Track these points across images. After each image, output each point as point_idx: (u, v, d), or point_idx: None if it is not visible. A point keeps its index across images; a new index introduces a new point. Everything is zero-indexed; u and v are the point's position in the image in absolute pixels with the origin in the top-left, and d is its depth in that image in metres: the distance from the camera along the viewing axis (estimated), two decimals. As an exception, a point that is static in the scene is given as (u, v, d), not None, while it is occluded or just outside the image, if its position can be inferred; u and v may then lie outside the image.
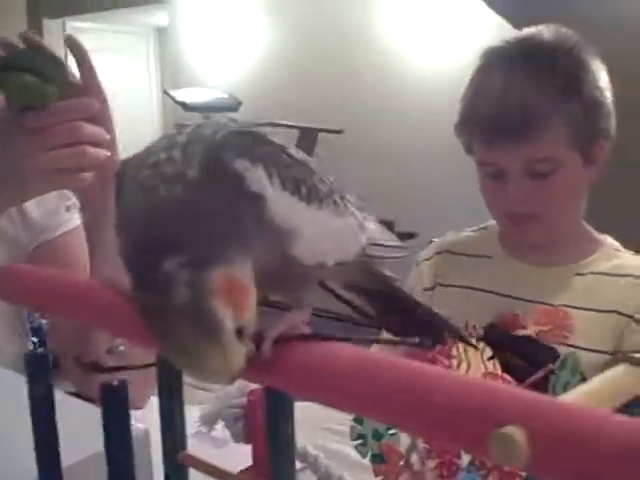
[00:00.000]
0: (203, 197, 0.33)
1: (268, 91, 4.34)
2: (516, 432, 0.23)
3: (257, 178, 0.35)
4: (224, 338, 0.30)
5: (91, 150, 0.83)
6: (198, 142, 0.35)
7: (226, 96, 4.19)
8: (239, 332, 0.31)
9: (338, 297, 0.49)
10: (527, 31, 1.09)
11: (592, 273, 1.08)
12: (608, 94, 1.06)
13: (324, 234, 0.38)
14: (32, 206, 1.00)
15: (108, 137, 0.85)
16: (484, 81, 1.07)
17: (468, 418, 0.25)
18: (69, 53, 0.87)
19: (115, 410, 0.37)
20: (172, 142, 0.35)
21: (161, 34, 5.97)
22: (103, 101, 0.87)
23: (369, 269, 0.47)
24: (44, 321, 0.41)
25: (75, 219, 1.05)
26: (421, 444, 0.72)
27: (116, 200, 0.36)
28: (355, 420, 0.65)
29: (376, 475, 0.66)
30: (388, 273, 0.49)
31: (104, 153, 0.84)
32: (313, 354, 0.30)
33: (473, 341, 0.70)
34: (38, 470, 0.40)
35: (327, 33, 4.11)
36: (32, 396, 0.41)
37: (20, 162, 0.81)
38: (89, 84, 0.86)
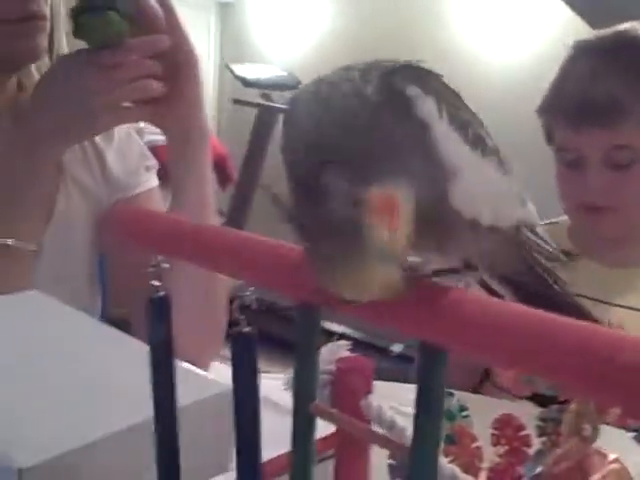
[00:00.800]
0: (374, 115, 0.34)
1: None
2: None
3: (427, 106, 0.35)
4: (377, 251, 0.29)
5: (155, 83, 0.86)
6: (375, 70, 0.36)
7: (286, 74, 4.20)
8: (392, 255, 0.29)
9: (483, 285, 0.47)
10: (621, 26, 1.09)
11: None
12: None
13: (484, 184, 0.38)
14: (114, 162, 1.01)
15: (160, 70, 0.87)
16: (574, 67, 1.08)
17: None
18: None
19: (245, 356, 0.38)
20: (347, 73, 0.36)
21: (224, 9, 5.99)
22: (188, 47, 0.93)
23: (523, 254, 0.45)
24: (166, 265, 0.41)
25: (153, 180, 1.05)
26: (490, 430, 0.72)
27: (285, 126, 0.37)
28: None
29: (446, 455, 0.66)
30: (549, 265, 0.46)
31: (162, 86, 0.87)
32: (477, 308, 0.29)
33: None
34: (155, 410, 0.41)
35: (390, 15, 4.08)
36: (152, 338, 0.42)
37: (91, 99, 0.84)
38: (171, 26, 0.91)
